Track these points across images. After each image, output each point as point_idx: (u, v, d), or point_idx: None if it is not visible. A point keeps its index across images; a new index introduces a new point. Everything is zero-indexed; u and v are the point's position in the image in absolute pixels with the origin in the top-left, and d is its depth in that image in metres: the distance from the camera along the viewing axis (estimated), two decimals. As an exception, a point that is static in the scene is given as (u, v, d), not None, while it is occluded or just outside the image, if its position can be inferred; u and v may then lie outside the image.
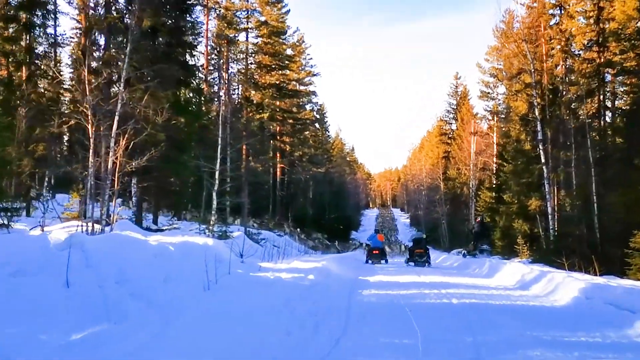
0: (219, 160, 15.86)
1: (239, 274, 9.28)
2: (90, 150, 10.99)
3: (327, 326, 6.15)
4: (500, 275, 14.08)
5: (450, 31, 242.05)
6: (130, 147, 11.71)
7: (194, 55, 33.05)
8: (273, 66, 39.94)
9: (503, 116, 43.15)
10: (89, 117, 11.16)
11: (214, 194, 15.74)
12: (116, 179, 11.60)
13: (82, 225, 10.90)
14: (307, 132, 57.41)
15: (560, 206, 28.17)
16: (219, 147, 16.07)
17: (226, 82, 33.51)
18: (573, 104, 24.37)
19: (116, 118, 11.33)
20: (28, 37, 18.09)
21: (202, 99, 29.19)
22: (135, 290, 6.40)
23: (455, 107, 63.72)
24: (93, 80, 12.93)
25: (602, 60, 24.35)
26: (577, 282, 9.56)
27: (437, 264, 24.76)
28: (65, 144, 20.89)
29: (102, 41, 18.60)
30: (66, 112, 14.85)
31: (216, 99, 33.74)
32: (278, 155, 48.59)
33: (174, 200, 19.99)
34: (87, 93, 11.43)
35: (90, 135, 11.03)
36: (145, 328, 4.79)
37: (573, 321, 7.26)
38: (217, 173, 15.75)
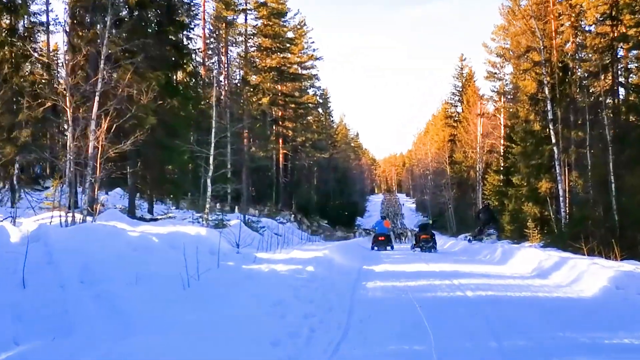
0: (213, 145, 14.89)
1: (229, 267, 8.37)
2: (69, 134, 10.07)
3: (324, 331, 5.23)
4: (514, 262, 13.14)
5: (455, 13, 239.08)
6: (113, 129, 10.77)
7: (191, 38, 32.16)
8: (273, 49, 38.82)
9: (510, 97, 41.99)
10: (67, 97, 10.23)
11: (209, 181, 14.80)
12: (98, 165, 10.67)
13: (60, 216, 10.00)
14: (310, 118, 56.40)
15: (571, 188, 27.19)
16: (213, 130, 15.10)
17: (225, 65, 32.47)
18: (585, 81, 23.23)
19: (96, 98, 10.39)
20: (10, 17, 17.10)
21: (200, 82, 28.22)
22: (102, 291, 5.48)
23: (460, 90, 62.45)
24: (75, 59, 11.98)
25: (615, 34, 23.17)
26: (604, 269, 8.60)
27: (445, 250, 23.86)
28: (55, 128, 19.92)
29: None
30: (43, 92, 13.79)
31: (215, 84, 32.74)
32: (280, 141, 47.63)
33: (171, 189, 19.05)
34: (66, 72, 10.49)
35: (69, 118, 10.10)
36: (93, 345, 3.86)
37: (608, 317, 6.32)
38: (211, 158, 14.81)
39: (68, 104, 10.23)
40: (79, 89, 10.85)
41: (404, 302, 7.27)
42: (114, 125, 10.70)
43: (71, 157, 10.14)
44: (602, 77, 22.67)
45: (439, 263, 13.54)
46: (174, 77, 21.98)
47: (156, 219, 17.25)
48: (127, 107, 11.24)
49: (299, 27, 46.74)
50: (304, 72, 49.50)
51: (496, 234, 27.78)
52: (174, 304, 5.19)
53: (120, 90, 11.36)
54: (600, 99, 22.29)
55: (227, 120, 29.41)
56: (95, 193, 11.43)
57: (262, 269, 8.43)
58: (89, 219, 10.65)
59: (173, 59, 18.47)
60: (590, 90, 23.97)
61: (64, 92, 10.35)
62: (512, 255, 13.97)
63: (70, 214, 10.17)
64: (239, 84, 34.61)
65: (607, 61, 22.70)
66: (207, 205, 15.00)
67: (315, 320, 5.63)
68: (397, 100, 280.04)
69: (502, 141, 43.46)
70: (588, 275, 8.74)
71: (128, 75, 11.84)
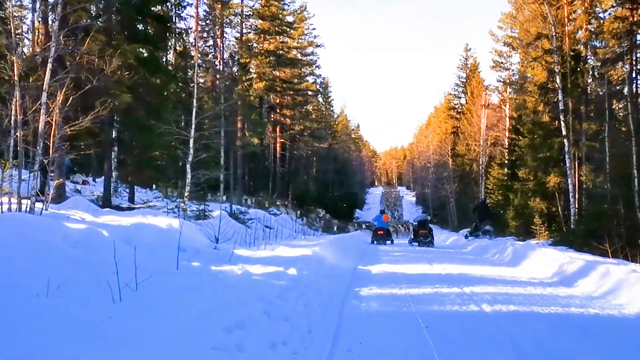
0: (194, 127, 13.32)
1: (192, 269, 6.86)
2: (15, 106, 8.54)
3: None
4: (528, 264, 11.63)
5: (458, 3, 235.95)
6: (69, 102, 9.21)
7: (184, 17, 30.55)
8: (271, 32, 37.05)
9: (517, 87, 40.35)
10: (15, 64, 8.69)
11: (188, 166, 13.25)
12: (51, 144, 9.14)
13: (2, 204, 8.50)
14: (309, 107, 54.76)
15: (581, 183, 25.67)
16: (194, 110, 13.53)
17: (220, 49, 30.84)
18: (601, 69, 21.62)
19: (49, 66, 8.84)
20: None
21: (190, 63, 26.62)
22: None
23: (464, 81, 60.76)
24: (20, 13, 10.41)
25: (635, 18, 21.56)
26: (650, 279, 7.10)
27: (448, 247, 22.37)
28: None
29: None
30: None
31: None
32: (278, 129, 46.02)
33: (155, 175, 17.47)
34: (12, 34, 8.95)
35: (16, 86, 8.56)
36: None
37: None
38: (191, 141, 13.24)
39: (15, 72, 8.68)
40: (36, 56, 9.27)
41: (406, 319, 5.74)
42: (70, 99, 9.14)
43: (17, 134, 8.59)
44: (620, 65, 21.07)
45: (443, 263, 12.02)
46: (163, 56, 20.39)
47: (133, 208, 15.73)
48: (89, 77, 9.67)
49: (299, 11, 45.03)
50: (304, 58, 47.82)
51: (491, 230, 26.04)
52: (87, 330, 3.66)
53: (78, 57, 9.79)
54: (618, 87, 20.70)
55: (220, 104, 27.96)
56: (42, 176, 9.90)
57: (234, 272, 6.92)
58: (39, 206, 9.12)
59: (154, 32, 16.82)
60: (606, 79, 22.32)
61: (11, 56, 8.79)
62: (526, 255, 12.45)
63: (16, 201, 8.65)
64: (233, 67, 32.93)
65: (626, 47, 21.09)
66: (186, 194, 13.43)
67: (286, 352, 4.10)
68: (399, 93, 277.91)
69: (507, 133, 41.93)
70: (627, 286, 7.23)
71: (87, 39, 10.25)
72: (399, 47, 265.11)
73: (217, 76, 30.32)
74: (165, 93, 16.94)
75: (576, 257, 10.34)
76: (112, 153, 16.87)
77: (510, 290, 7.81)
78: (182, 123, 14.63)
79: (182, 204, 13.36)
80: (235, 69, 32.50)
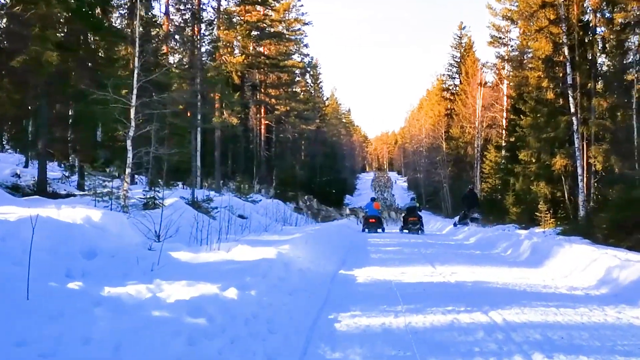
0: (135, 93, 10.62)
1: (58, 296, 4.26)
2: None
3: None
4: (555, 265, 9.15)
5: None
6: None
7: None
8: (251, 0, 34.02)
9: (516, 63, 37.81)
10: None
11: (129, 142, 10.59)
12: None
13: None
14: (296, 87, 52.00)
15: (589, 165, 23.28)
16: (136, 71, 10.83)
17: (197, 15, 27.95)
18: (623, 34, 19.06)
19: None
20: None
21: (160, 35, 23.85)
22: None
23: (459, 60, 58.05)
24: None
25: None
26: None
27: (446, 237, 19.93)
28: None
29: None
30: None
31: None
32: (262, 110, 43.28)
33: (104, 155, 14.76)
34: None
35: None
36: None
37: None
38: (132, 111, 10.56)
39: None
40: None
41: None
42: None
43: None
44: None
45: (448, 264, 9.48)
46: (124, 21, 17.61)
47: (73, 195, 13.10)
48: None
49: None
50: (290, 35, 44.97)
51: (479, 217, 25.57)
52: None
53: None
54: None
55: (199, 81, 25.27)
56: None
57: (139, 297, 4.35)
58: None
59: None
60: (625, 47, 19.82)
61: None
62: (550, 253, 9.93)
63: None
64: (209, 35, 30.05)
65: (648, 10, 18.57)
66: (127, 178, 10.77)
67: None
68: (391, 77, 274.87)
69: (504, 114, 39.60)
70: None
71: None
72: (392, 30, 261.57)
73: (194, 51, 27.51)
74: (115, 57, 14.23)
75: (627, 258, 7.82)
76: (53, 129, 14.18)
77: (561, 318, 5.23)
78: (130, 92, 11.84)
79: (123, 190, 10.72)
80: (208, 41, 29.67)
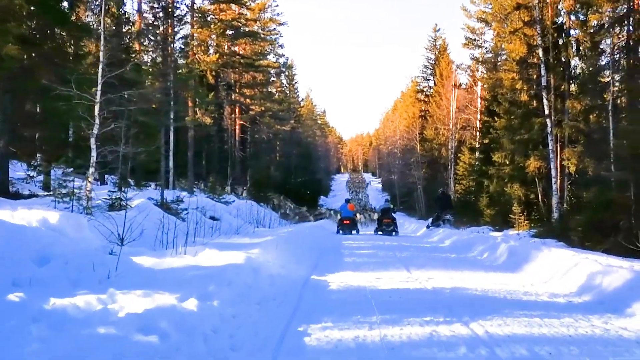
0: (100, 89, 10.10)
1: (4, 307, 3.81)
2: None
3: None
4: (534, 269, 8.92)
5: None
6: None
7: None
8: (224, -2, 33.37)
9: (491, 65, 37.88)
10: None
11: (92, 140, 10.05)
12: None
13: None
14: (272, 88, 51.48)
15: (562, 167, 23.31)
16: (101, 65, 10.29)
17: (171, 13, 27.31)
18: (597, 36, 18.99)
19: None
20: None
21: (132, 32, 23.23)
22: None
23: (433, 62, 58.17)
24: None
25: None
26: None
27: (420, 239, 19.70)
28: None
29: None
30: None
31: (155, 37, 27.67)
32: (237, 110, 42.67)
33: (71, 153, 14.15)
34: None
35: None
36: None
37: None
38: (97, 108, 10.04)
39: None
40: None
41: None
42: None
43: None
44: (618, 30, 18.50)
45: (424, 269, 9.18)
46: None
47: (36, 196, 12.50)
48: None
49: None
50: (265, 35, 44.49)
51: (452, 220, 25.66)
52: None
53: None
54: (616, 56, 18.21)
55: (172, 79, 24.60)
56: None
57: (88, 309, 3.94)
58: None
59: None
60: (599, 49, 19.77)
61: None
62: (528, 257, 9.70)
63: None
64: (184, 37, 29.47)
65: (623, 13, 18.53)
66: (90, 178, 10.24)
67: None
68: (366, 79, 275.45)
69: (478, 116, 39.65)
70: None
71: None
72: (368, 30, 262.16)
73: (166, 48, 26.87)
74: (82, 53, 13.64)
75: (608, 263, 7.59)
76: (18, 127, 13.56)
77: (547, 330, 4.92)
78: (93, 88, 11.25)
79: (86, 190, 10.17)
80: (181, 39, 29.08)
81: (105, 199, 11.13)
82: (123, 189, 10.89)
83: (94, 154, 10.10)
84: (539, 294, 7.01)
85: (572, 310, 5.84)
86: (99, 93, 10.07)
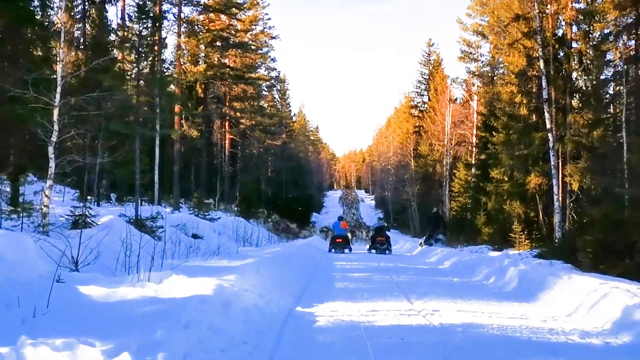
0: (59, 91, 8.90)
1: None
2: None
3: None
4: (552, 299, 7.77)
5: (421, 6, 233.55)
6: None
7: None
8: (214, 7, 32.32)
9: (487, 79, 37.06)
10: None
11: (50, 149, 8.83)
12: None
13: None
14: (263, 102, 50.49)
15: (565, 184, 22.26)
16: (60, 65, 9.12)
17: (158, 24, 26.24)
18: (603, 45, 18.05)
19: None
20: None
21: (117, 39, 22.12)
22: None
23: (427, 77, 57.42)
24: None
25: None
26: None
27: (417, 260, 18.50)
28: None
29: None
30: None
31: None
32: (227, 124, 41.62)
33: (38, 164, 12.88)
34: None
35: None
36: None
37: None
38: (55, 112, 8.85)
39: None
40: None
41: None
42: None
43: None
44: (625, 39, 17.54)
45: (427, 297, 7.97)
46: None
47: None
48: None
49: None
50: (257, 48, 43.51)
51: (443, 239, 25.16)
52: None
53: None
54: (623, 67, 17.25)
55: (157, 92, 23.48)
56: None
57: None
58: None
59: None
60: (605, 59, 18.81)
61: None
62: (544, 284, 8.52)
63: None
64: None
65: (631, 20, 17.59)
66: (47, 191, 9.00)
67: None
68: (359, 95, 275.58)
69: (474, 131, 38.72)
70: None
71: None
72: (360, 47, 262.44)
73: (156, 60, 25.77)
74: (51, 56, 12.48)
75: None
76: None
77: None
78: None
79: (42, 206, 8.95)
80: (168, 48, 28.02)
81: (68, 215, 9.90)
82: (87, 204, 9.63)
83: (52, 164, 8.88)
84: (566, 332, 5.83)
85: (613, 355, 4.67)
86: (58, 96, 8.88)
